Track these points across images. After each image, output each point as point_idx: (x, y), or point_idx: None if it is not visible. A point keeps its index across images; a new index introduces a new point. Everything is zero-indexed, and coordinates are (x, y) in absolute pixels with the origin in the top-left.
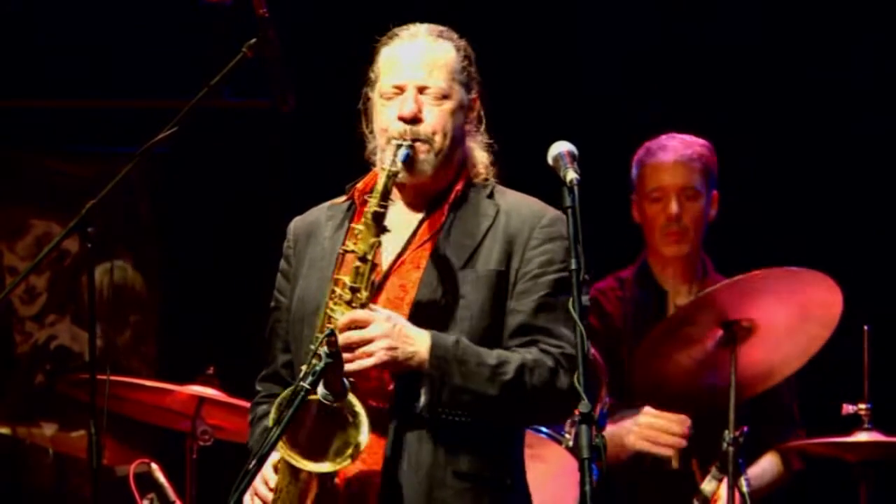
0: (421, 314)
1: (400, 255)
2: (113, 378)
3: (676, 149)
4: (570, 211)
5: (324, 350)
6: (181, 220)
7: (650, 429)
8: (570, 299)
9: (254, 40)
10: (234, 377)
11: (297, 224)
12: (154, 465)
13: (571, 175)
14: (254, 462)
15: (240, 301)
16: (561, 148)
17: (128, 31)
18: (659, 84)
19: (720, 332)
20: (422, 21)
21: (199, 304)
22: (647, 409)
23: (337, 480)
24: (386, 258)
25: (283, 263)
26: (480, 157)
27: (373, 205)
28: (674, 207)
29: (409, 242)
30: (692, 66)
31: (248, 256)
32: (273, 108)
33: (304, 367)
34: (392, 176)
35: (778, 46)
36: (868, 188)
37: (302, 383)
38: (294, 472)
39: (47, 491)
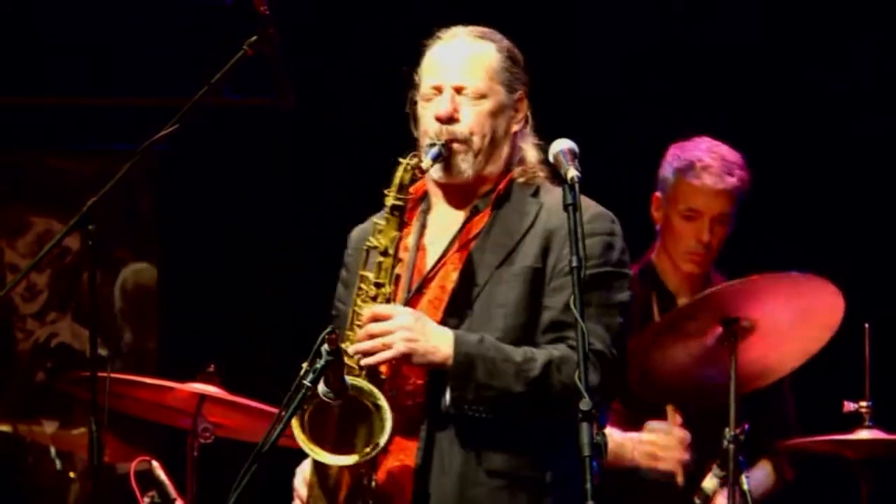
0: (457, 313)
1: (442, 256)
2: (114, 376)
3: (720, 174)
4: (570, 208)
5: (324, 348)
6: (182, 217)
7: (652, 445)
8: (572, 297)
9: (254, 38)
10: (235, 374)
11: (355, 233)
12: (155, 463)
13: (572, 172)
14: (251, 463)
15: (241, 298)
16: (562, 145)
17: (128, 29)
18: (659, 84)
19: (719, 329)
20: (423, 21)
21: (199, 302)
22: (650, 424)
23: (373, 483)
24: (430, 260)
25: (343, 272)
26: (531, 156)
27: (391, 198)
28: (706, 235)
29: (451, 244)
30: (692, 67)
31: (248, 254)
32: (273, 105)
33: (304, 365)
34: (411, 169)
35: (778, 46)
36: (870, 185)
37: (303, 381)
38: (323, 468)
39: (48, 489)
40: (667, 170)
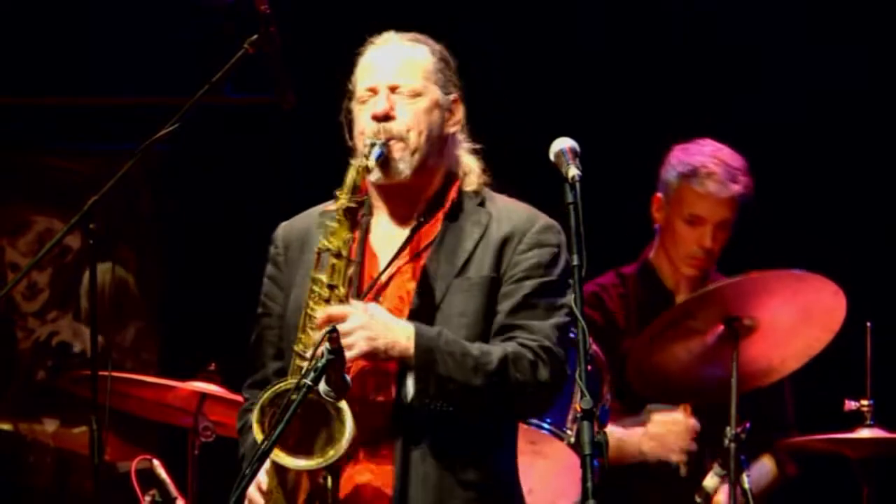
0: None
1: (392, 262)
2: (115, 374)
3: (725, 182)
4: (571, 207)
5: (326, 347)
6: (183, 216)
7: (661, 437)
8: (573, 297)
9: (255, 37)
10: (235, 373)
11: (285, 230)
12: (156, 462)
13: (573, 171)
14: (253, 463)
15: (242, 297)
16: (563, 144)
17: (129, 28)
18: (661, 83)
19: (721, 328)
20: (425, 19)
21: (200, 301)
22: (654, 416)
23: (329, 483)
24: (381, 266)
25: (271, 269)
26: (471, 164)
27: (343, 200)
28: (708, 241)
29: (401, 251)
30: (692, 64)
31: (249, 253)
32: (274, 104)
33: (304, 364)
34: (361, 170)
35: (779, 47)
36: (871, 184)
37: (304, 380)
38: (281, 471)
39: (49, 488)
40: (670, 173)
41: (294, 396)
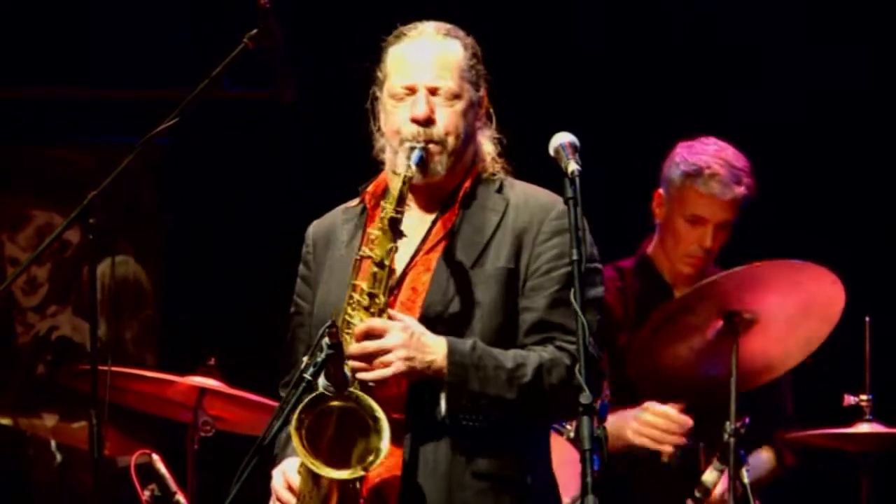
0: (431, 316)
1: (413, 257)
2: (114, 369)
3: (729, 184)
4: (571, 202)
5: (325, 342)
6: (182, 210)
7: (650, 427)
8: (573, 290)
9: (255, 31)
10: (235, 368)
11: (315, 229)
12: (155, 456)
13: (573, 166)
14: (255, 453)
15: (241, 292)
16: (562, 139)
17: (130, 21)
18: (661, 83)
19: (720, 323)
20: (427, 11)
21: (200, 295)
22: (648, 404)
23: (358, 485)
24: (399, 261)
25: (302, 268)
26: (490, 149)
27: (389, 210)
28: (708, 241)
29: (421, 244)
30: (693, 66)
31: (249, 247)
32: (274, 98)
33: (305, 360)
34: (408, 181)
35: (779, 47)
36: (871, 178)
37: (304, 375)
38: (315, 478)
39: (48, 482)
40: (673, 171)
41: (303, 394)
